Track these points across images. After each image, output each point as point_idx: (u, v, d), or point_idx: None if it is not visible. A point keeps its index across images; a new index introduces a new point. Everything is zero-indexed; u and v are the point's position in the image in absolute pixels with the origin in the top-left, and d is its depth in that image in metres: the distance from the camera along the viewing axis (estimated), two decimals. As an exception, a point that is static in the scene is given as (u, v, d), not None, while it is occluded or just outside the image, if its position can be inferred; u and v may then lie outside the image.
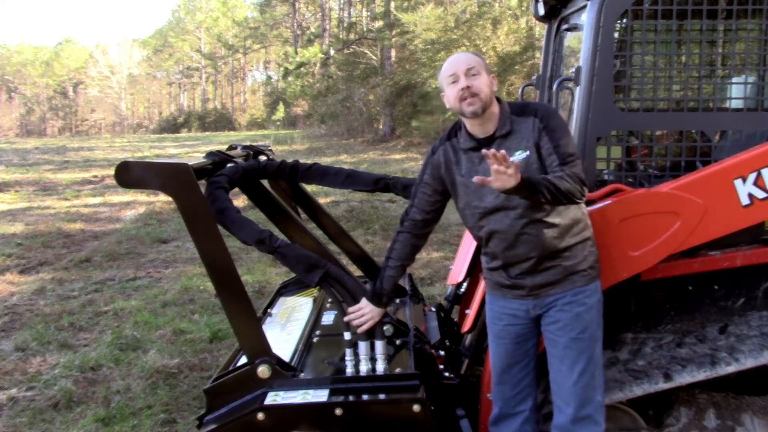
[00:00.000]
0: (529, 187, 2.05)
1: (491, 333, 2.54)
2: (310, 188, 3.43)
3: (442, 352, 3.10)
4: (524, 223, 2.27)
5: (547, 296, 2.36)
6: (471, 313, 2.97)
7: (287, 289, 3.77)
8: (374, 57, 30.09)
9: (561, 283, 2.34)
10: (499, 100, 2.33)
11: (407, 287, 3.59)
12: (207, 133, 44.77)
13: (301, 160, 3.04)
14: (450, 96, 2.31)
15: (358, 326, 2.44)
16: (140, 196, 12.72)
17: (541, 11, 3.36)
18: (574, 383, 2.33)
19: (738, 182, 2.51)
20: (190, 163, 2.31)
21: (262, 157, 3.13)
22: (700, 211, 2.50)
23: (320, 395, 2.34)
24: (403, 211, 2.56)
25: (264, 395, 2.34)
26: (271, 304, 3.52)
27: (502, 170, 1.96)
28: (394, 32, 26.99)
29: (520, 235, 2.28)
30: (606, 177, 2.75)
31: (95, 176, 16.92)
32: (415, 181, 2.56)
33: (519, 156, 2.25)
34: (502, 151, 1.98)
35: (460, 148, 2.38)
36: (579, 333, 2.33)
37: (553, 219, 2.28)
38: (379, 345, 2.45)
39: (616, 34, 2.74)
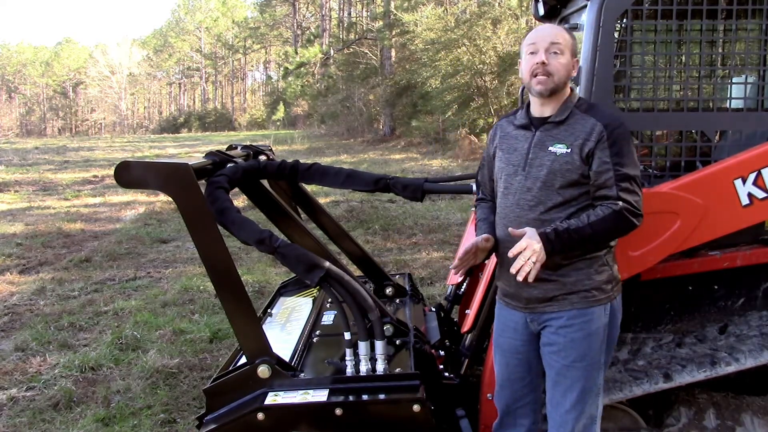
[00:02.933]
0: (560, 247, 2.02)
1: (495, 343, 2.43)
2: (310, 188, 3.43)
3: (442, 352, 3.10)
4: (528, 216, 2.13)
5: (543, 312, 2.21)
6: (471, 313, 2.97)
7: (287, 289, 3.77)
8: (374, 57, 30.10)
9: (558, 301, 2.16)
10: (572, 89, 2.19)
11: (407, 287, 3.59)
12: (207, 133, 44.82)
13: (301, 160, 3.04)
14: (523, 67, 2.16)
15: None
16: (140, 196, 12.72)
17: (541, 11, 3.36)
18: (566, 412, 2.20)
19: (738, 182, 2.51)
20: (190, 163, 2.31)
21: (262, 157, 3.13)
22: (700, 211, 2.50)
23: (320, 395, 2.33)
24: (477, 194, 2.48)
25: (264, 395, 2.34)
26: (271, 304, 3.52)
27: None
28: (394, 32, 26.99)
29: (520, 226, 2.12)
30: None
31: (95, 176, 16.92)
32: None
33: (558, 149, 2.10)
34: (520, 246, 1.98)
35: (515, 123, 2.27)
36: (574, 360, 2.16)
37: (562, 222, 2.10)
38: (379, 345, 2.45)
39: (616, 34, 2.74)
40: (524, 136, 2.21)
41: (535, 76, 2.09)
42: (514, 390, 2.37)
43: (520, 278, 1.98)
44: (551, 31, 2.12)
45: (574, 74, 2.17)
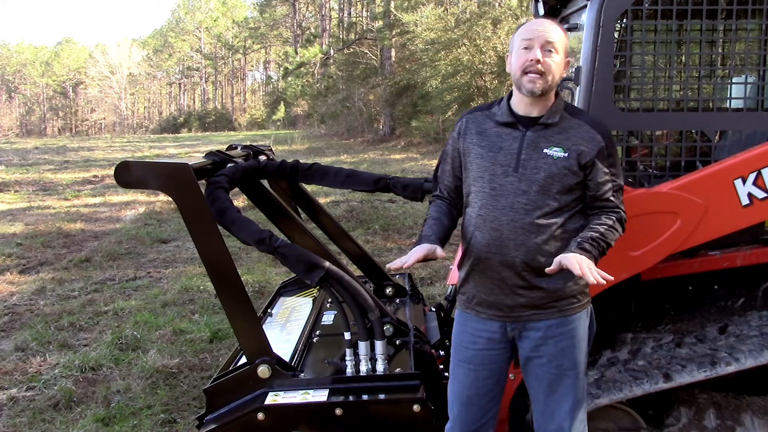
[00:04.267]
0: (596, 255, 1.97)
1: (459, 357, 2.26)
2: (310, 188, 3.43)
3: (442, 352, 3.10)
4: (524, 220, 2.03)
5: (528, 321, 2.12)
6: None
7: (287, 289, 3.77)
8: (374, 57, 30.09)
9: (545, 309, 2.10)
10: (556, 93, 2.12)
11: (407, 287, 3.59)
12: (207, 133, 44.81)
13: (301, 160, 3.04)
14: (515, 62, 2.05)
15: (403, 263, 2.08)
16: (140, 196, 12.72)
17: (541, 11, 3.36)
18: (562, 420, 2.16)
19: (738, 182, 2.51)
20: (190, 163, 2.31)
21: (262, 157, 3.13)
22: (700, 211, 2.50)
23: (320, 395, 2.34)
24: (433, 189, 2.36)
25: (264, 395, 2.34)
26: (271, 304, 3.52)
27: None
28: (394, 32, 26.99)
29: (513, 230, 2.04)
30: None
31: (95, 176, 16.91)
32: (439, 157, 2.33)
33: (555, 152, 2.04)
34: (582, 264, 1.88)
35: (494, 120, 2.14)
36: (566, 368, 2.13)
37: (557, 227, 2.05)
38: (379, 345, 2.45)
39: (616, 34, 2.74)
40: (510, 134, 2.10)
41: (527, 73, 2.01)
42: (481, 406, 2.24)
43: (593, 281, 1.86)
44: (548, 27, 2.04)
45: (565, 74, 2.12)
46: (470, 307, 2.22)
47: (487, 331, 2.18)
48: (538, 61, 1.99)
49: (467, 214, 2.19)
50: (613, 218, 2.06)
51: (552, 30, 2.03)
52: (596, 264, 1.94)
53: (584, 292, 2.17)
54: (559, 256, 1.95)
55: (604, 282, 1.84)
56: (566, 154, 2.04)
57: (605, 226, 2.03)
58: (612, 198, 2.09)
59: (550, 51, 2.01)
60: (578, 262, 1.88)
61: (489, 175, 2.10)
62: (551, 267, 1.95)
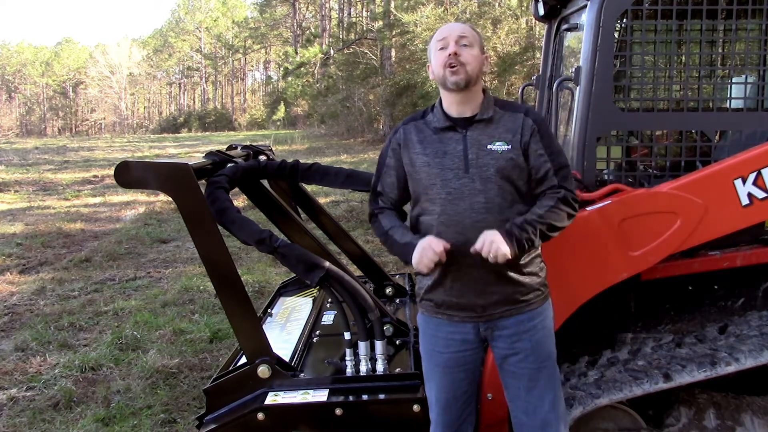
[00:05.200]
0: (524, 244, 1.98)
1: (434, 363, 2.23)
2: (310, 188, 3.43)
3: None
4: (488, 219, 2.04)
5: (501, 318, 2.13)
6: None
7: (287, 289, 3.78)
8: (374, 57, 30.08)
9: (517, 304, 2.12)
10: (484, 90, 2.15)
11: (407, 287, 3.60)
12: (207, 133, 44.80)
13: (301, 160, 3.04)
14: (435, 63, 2.10)
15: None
16: (140, 196, 12.72)
17: (541, 11, 3.36)
18: (546, 413, 2.15)
19: (738, 182, 2.51)
20: (190, 163, 2.31)
21: (262, 157, 3.13)
22: (700, 211, 2.50)
23: (320, 395, 2.34)
24: (372, 205, 2.30)
25: (264, 395, 2.35)
26: (271, 304, 3.52)
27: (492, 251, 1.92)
28: (394, 32, 26.98)
29: (479, 230, 2.03)
30: (606, 177, 2.75)
31: (95, 176, 16.92)
32: (376, 168, 2.30)
33: (498, 147, 2.06)
34: (489, 245, 1.94)
35: (432, 127, 2.15)
36: (543, 361, 2.15)
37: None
38: (379, 345, 2.45)
39: (616, 34, 2.75)
40: (452, 137, 2.11)
41: (447, 68, 2.06)
42: (458, 407, 2.23)
43: (492, 258, 1.94)
44: (459, 26, 2.13)
45: (486, 69, 2.14)
46: (440, 312, 2.19)
47: (461, 333, 2.17)
48: (455, 54, 2.05)
49: (424, 222, 2.14)
50: (555, 198, 2.06)
51: (463, 27, 2.13)
52: (533, 244, 2.01)
53: (545, 284, 2.21)
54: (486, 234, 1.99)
55: (497, 258, 1.94)
56: (509, 146, 2.07)
57: (545, 208, 2.04)
58: (553, 177, 2.08)
59: (465, 45, 2.07)
60: (483, 239, 1.96)
61: (441, 180, 2.09)
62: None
